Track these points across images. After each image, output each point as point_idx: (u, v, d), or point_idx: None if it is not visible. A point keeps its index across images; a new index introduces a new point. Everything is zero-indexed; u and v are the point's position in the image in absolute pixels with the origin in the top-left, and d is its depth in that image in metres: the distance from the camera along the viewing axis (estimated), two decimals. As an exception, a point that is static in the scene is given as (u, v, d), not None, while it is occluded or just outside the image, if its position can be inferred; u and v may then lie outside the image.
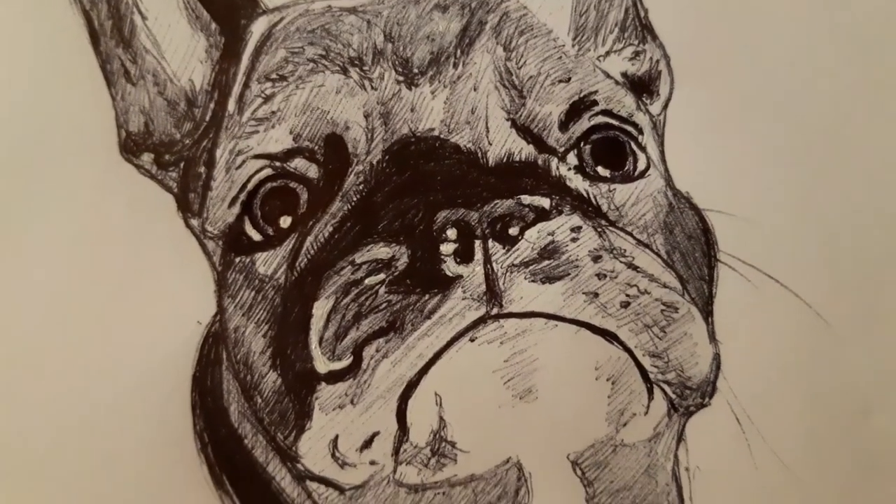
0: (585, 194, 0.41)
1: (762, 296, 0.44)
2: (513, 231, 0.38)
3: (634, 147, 0.42)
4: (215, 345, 0.43)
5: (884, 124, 0.46)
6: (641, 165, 0.42)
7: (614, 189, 0.42)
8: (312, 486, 0.42)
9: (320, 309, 0.38)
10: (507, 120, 0.41)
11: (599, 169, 0.41)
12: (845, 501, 0.46)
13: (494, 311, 0.38)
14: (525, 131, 0.41)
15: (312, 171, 0.41)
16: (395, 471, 0.39)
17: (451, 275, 0.38)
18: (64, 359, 0.43)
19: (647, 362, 0.39)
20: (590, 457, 0.42)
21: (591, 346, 0.39)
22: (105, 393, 0.43)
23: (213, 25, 0.43)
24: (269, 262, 0.41)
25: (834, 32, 0.46)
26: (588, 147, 0.42)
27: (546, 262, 0.38)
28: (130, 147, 0.43)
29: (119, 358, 0.43)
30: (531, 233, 0.38)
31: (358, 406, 0.38)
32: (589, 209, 0.40)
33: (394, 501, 0.42)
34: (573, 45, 0.43)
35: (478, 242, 0.38)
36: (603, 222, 0.40)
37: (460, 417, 0.39)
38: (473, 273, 0.38)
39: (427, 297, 0.38)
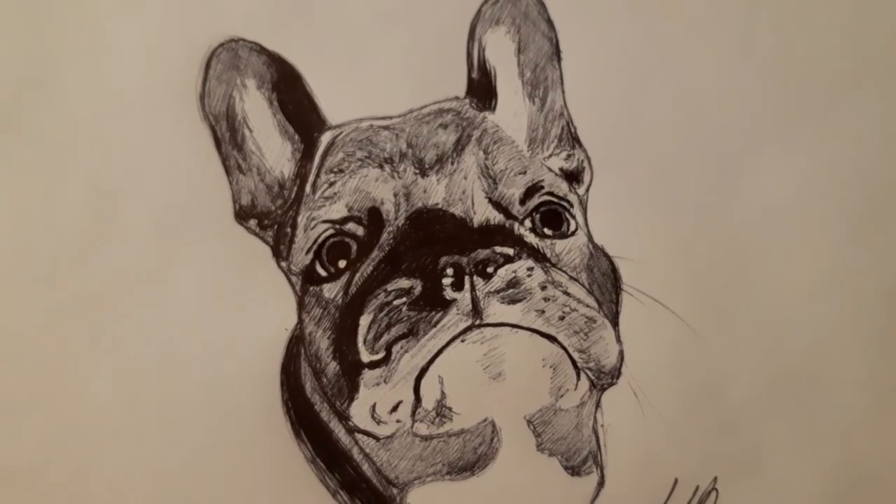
0: (536, 246, 0.46)
1: (651, 313, 0.49)
2: (489, 270, 0.43)
3: (568, 216, 0.47)
4: (296, 344, 0.47)
5: (735, 196, 0.51)
6: (573, 228, 0.47)
7: (555, 243, 0.47)
8: (359, 436, 0.47)
9: (364, 320, 0.44)
10: (486, 198, 0.46)
11: (545, 230, 0.47)
12: (707, 446, 0.51)
13: (477, 322, 0.43)
14: (497, 206, 0.46)
15: (360, 231, 0.46)
16: (412, 426, 0.45)
17: (449, 299, 0.43)
18: (201, 352, 0.47)
19: (576, 356, 0.45)
20: (539, 417, 0.47)
21: (540, 345, 0.44)
22: (226, 374, 0.47)
23: (296, 136, 0.47)
24: (331, 290, 0.46)
25: (700, 135, 0.50)
26: (538, 215, 0.46)
27: (511, 290, 0.44)
28: (242, 215, 0.47)
29: (235, 351, 0.47)
30: (501, 271, 0.44)
31: (388, 384, 0.44)
32: (539, 256, 0.45)
33: (411, 446, 0.47)
34: (528, 150, 0.48)
35: (467, 277, 0.43)
36: (548, 264, 0.45)
37: (455, 391, 0.44)
38: (464, 298, 0.43)
39: (433, 313, 0.43)
